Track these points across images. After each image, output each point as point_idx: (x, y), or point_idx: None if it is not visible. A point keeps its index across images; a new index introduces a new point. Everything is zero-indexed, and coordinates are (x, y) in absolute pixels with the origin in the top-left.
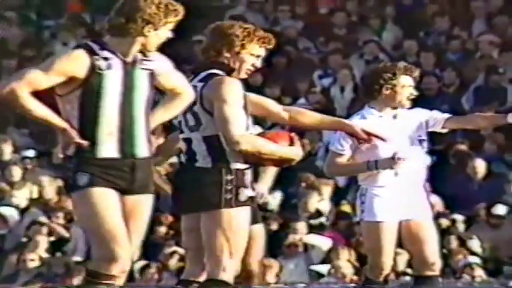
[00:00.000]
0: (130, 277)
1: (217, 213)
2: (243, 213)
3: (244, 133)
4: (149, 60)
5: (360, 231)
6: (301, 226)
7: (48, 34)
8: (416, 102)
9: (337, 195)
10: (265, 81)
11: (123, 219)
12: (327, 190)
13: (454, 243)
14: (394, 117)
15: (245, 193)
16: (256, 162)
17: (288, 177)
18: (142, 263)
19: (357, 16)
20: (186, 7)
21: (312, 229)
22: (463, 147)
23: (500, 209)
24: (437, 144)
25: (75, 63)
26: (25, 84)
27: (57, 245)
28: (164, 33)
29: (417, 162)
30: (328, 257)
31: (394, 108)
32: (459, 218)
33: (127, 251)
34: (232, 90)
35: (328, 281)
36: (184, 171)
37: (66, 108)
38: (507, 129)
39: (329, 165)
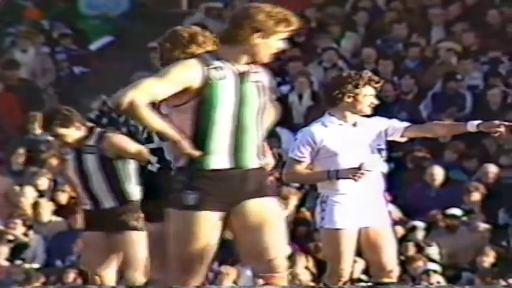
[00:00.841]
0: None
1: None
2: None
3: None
4: (257, 72)
5: (319, 238)
6: None
7: (9, 41)
8: (375, 110)
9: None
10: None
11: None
12: (294, 199)
13: (411, 250)
14: (354, 125)
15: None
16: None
17: None
18: None
19: (316, 23)
20: (144, 14)
21: None
22: (420, 154)
23: (455, 211)
24: (395, 151)
25: (190, 72)
26: (143, 94)
27: (17, 252)
28: (274, 43)
29: (376, 170)
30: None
31: (355, 116)
32: (419, 224)
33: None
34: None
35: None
36: (157, 180)
37: (181, 119)
38: (466, 137)
39: (288, 172)
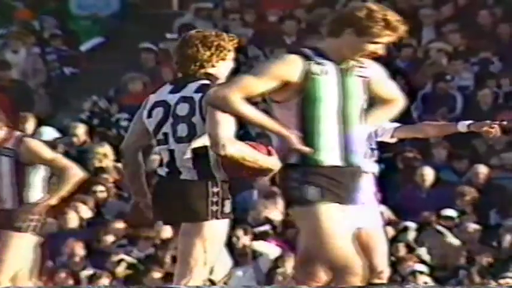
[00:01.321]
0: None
1: (203, 224)
2: (225, 225)
3: (232, 138)
4: (363, 67)
5: None
6: (241, 233)
7: (0, 42)
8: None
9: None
10: None
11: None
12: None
13: (402, 250)
14: None
15: (229, 205)
16: (234, 173)
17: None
18: (90, 271)
19: (306, 24)
20: (134, 14)
21: (256, 237)
22: (411, 155)
23: (449, 212)
24: (385, 152)
25: (289, 67)
26: (238, 89)
27: None
28: (366, 43)
29: (368, 171)
30: (276, 265)
31: None
32: (411, 225)
33: (360, 261)
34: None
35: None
36: (166, 183)
37: (286, 116)
38: (456, 137)
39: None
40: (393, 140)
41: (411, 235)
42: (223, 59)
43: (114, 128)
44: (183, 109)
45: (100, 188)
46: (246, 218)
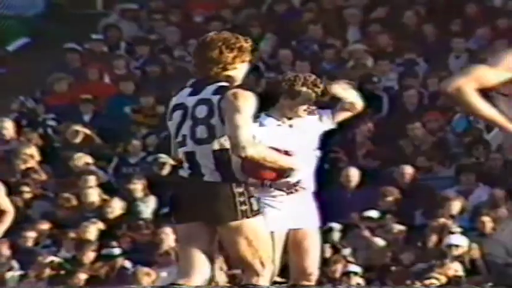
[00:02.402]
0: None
1: (239, 225)
2: (260, 221)
3: (251, 140)
4: None
5: None
6: (169, 232)
7: None
8: None
9: None
10: (139, 89)
11: None
12: None
13: (328, 251)
14: (291, 126)
15: (256, 202)
16: (255, 175)
17: (162, 184)
18: (17, 272)
19: (232, 24)
20: (59, 14)
21: None
22: (336, 155)
23: (372, 213)
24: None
25: None
26: (472, 80)
27: None
28: None
29: (309, 171)
30: None
31: (290, 118)
32: (336, 226)
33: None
34: (249, 102)
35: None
36: (189, 185)
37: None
38: (382, 138)
39: None
40: (334, 126)
41: (336, 236)
42: (243, 61)
43: (41, 128)
44: (201, 111)
45: (26, 188)
46: (170, 218)
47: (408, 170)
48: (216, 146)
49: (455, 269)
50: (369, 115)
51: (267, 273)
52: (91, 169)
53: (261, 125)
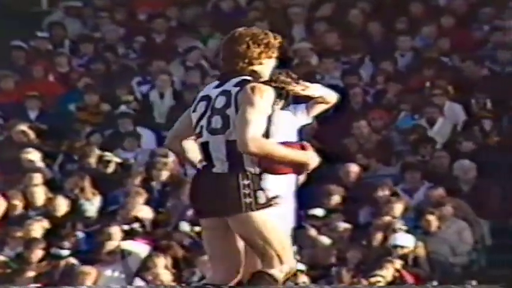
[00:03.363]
0: None
1: (244, 218)
2: (270, 214)
3: (256, 136)
4: None
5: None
6: (115, 231)
7: None
8: None
9: (155, 202)
10: (83, 87)
11: None
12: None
13: None
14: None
15: (264, 195)
16: (271, 169)
17: (108, 182)
18: None
19: (177, 22)
20: (4, 12)
21: (126, 235)
22: None
23: (317, 211)
24: None
25: None
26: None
27: None
28: None
29: None
30: (145, 264)
31: None
32: None
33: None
34: (264, 97)
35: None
36: (201, 177)
37: None
38: (327, 136)
39: None
40: (310, 120)
41: None
42: (270, 57)
43: None
44: (220, 102)
45: None
46: (115, 216)
47: (353, 168)
48: (228, 136)
49: (400, 267)
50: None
51: (285, 267)
52: (37, 166)
53: None
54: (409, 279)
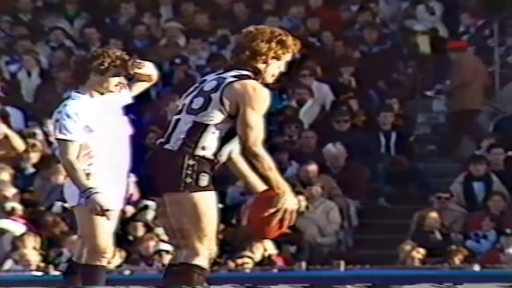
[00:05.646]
0: None
1: (181, 197)
2: (208, 199)
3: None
4: None
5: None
6: None
7: None
8: None
9: (24, 182)
10: None
11: None
12: (6, 175)
13: (141, 230)
14: (103, 102)
15: (206, 179)
16: (261, 232)
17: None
18: None
19: (45, 3)
20: None
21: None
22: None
23: None
24: None
25: None
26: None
27: None
28: None
29: (125, 148)
30: (14, 244)
31: (102, 94)
32: (152, 204)
33: None
34: (264, 100)
35: (15, 268)
36: (154, 153)
37: None
38: None
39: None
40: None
41: (150, 214)
42: (277, 58)
43: None
44: (210, 86)
45: None
46: None
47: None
48: (201, 119)
49: (268, 247)
50: (179, 94)
51: (205, 252)
52: None
53: (75, 101)
54: (278, 260)
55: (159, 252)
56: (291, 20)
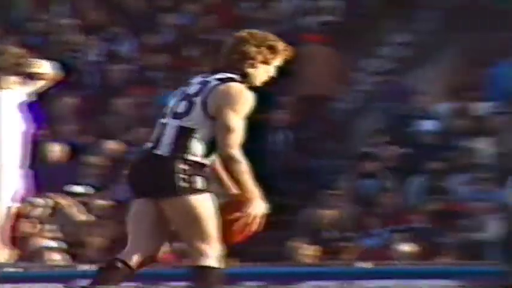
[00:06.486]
0: None
1: (178, 201)
2: (204, 201)
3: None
4: None
5: None
6: None
7: None
8: None
9: None
10: None
11: None
12: None
13: (30, 227)
14: None
15: (201, 182)
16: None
17: None
18: None
19: None
20: None
21: None
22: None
23: (76, 188)
24: None
25: None
26: None
27: None
28: None
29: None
30: None
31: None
32: (40, 202)
33: None
34: (246, 103)
35: None
36: (143, 158)
37: None
38: (84, 113)
39: None
40: None
41: (39, 211)
42: (266, 63)
43: None
44: (194, 89)
45: None
46: None
47: (113, 145)
48: (186, 123)
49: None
50: (75, 90)
51: (212, 252)
52: None
53: None
54: (169, 257)
55: (46, 248)
56: (186, 17)
